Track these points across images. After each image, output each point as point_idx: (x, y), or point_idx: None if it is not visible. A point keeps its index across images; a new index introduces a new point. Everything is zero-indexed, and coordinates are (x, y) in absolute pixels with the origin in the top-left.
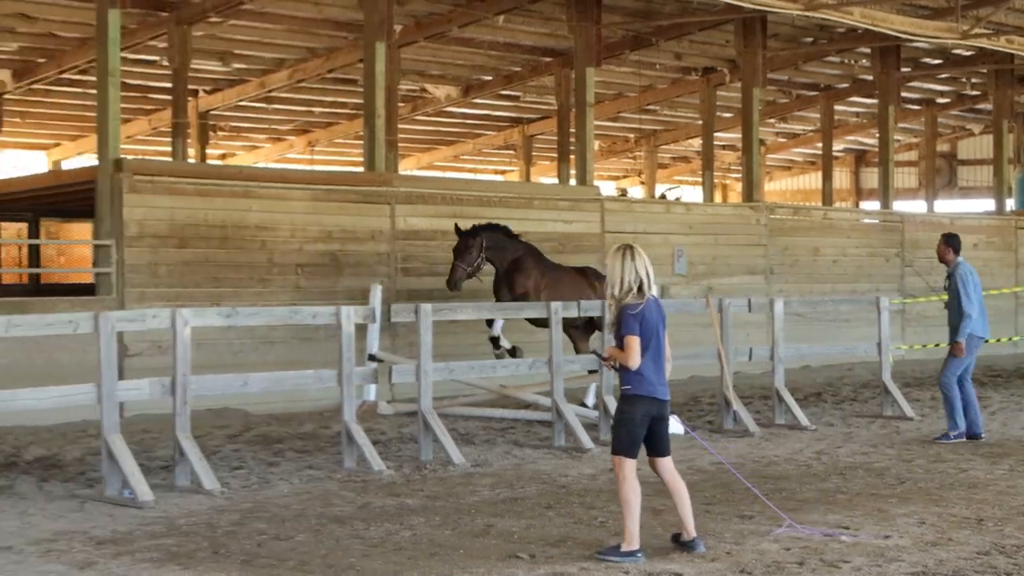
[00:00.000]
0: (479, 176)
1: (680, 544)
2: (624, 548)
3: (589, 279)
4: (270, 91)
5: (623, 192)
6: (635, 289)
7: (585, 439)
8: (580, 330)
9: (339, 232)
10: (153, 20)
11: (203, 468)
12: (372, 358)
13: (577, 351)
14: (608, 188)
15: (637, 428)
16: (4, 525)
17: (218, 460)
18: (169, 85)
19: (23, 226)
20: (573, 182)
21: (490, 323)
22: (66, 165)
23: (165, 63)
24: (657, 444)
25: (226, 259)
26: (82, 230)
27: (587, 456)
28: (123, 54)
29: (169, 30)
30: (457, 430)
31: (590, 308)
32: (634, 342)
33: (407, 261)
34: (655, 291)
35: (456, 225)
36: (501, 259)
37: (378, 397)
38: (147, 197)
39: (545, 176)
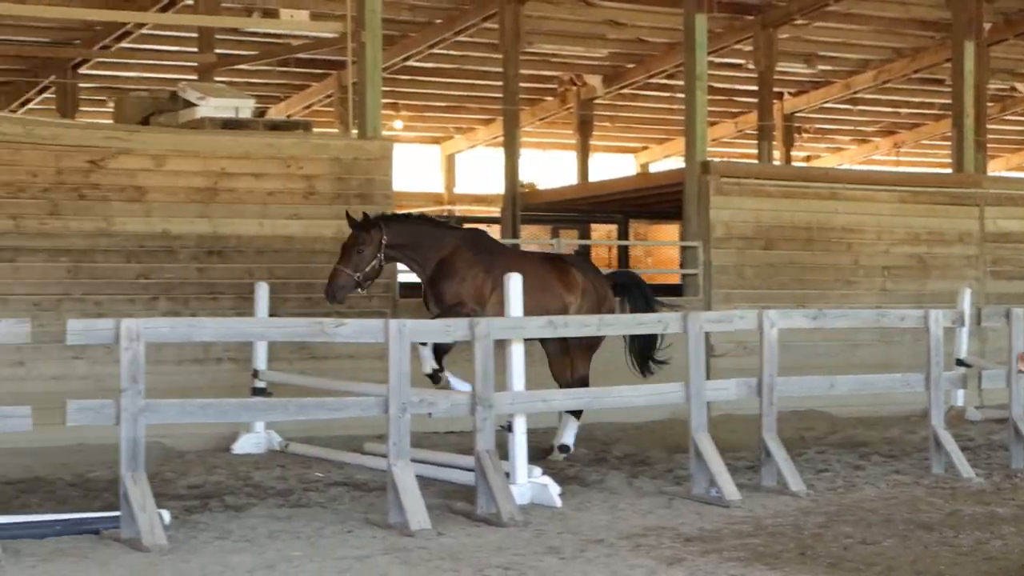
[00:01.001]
0: None
1: None
2: None
3: (559, 270)
4: (855, 92)
5: None
6: None
7: None
8: (583, 348)
9: (926, 234)
10: (739, 24)
11: (789, 469)
12: (960, 363)
13: (564, 372)
14: None
15: None
16: (596, 519)
17: (803, 462)
18: (754, 88)
19: (613, 227)
20: None
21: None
22: (653, 168)
23: (750, 66)
24: None
25: (811, 261)
26: (669, 231)
27: None
28: (709, 58)
29: (754, 33)
30: None
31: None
32: None
33: (997, 264)
34: None
35: (347, 213)
36: (423, 260)
37: (966, 403)
38: (733, 199)
39: None
